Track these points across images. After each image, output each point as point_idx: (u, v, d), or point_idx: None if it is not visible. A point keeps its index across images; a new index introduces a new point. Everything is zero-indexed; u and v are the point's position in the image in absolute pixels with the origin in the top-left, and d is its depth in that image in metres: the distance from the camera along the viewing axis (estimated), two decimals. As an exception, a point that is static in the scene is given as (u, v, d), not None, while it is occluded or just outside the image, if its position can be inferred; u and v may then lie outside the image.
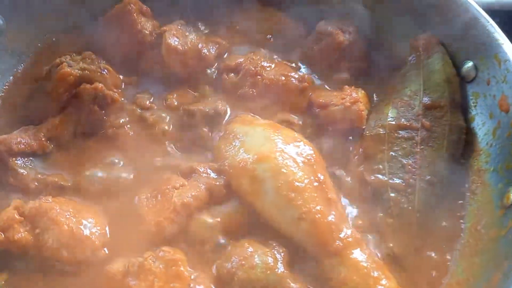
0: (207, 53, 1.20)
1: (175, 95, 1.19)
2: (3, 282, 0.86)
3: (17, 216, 0.90)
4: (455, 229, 1.04)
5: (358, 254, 0.92)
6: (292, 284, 0.90)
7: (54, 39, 1.26)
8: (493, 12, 1.11)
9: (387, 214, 1.04)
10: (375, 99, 1.21)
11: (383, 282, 0.89)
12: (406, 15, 1.23)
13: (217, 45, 1.24)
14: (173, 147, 1.11)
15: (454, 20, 1.14)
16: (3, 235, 0.88)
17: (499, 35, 1.07)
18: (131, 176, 1.05)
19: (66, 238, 0.89)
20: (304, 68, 1.26)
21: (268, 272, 0.89)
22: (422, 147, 1.09)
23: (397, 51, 1.25)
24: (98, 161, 1.07)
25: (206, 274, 0.92)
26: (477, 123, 1.11)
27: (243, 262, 0.90)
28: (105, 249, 0.94)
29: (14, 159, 1.02)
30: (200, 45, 1.20)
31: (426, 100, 1.14)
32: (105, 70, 1.12)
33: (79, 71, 1.08)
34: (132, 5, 1.18)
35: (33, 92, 1.13)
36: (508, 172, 1.00)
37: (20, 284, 0.89)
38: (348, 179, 1.09)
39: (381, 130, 1.12)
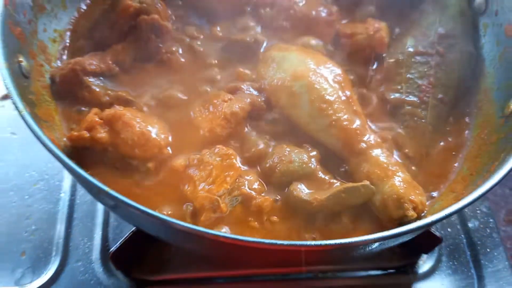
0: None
1: (218, 27, 1.30)
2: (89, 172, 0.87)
3: (97, 119, 1.00)
4: (462, 139, 1.18)
5: (379, 153, 1.03)
6: (322, 175, 1.04)
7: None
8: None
9: (403, 125, 1.16)
10: (396, 31, 1.32)
11: (399, 174, 1.00)
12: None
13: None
14: (218, 71, 1.21)
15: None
16: (88, 134, 0.99)
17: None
18: (185, 96, 1.15)
19: (137, 137, 0.99)
20: (333, 4, 1.30)
21: (304, 165, 1.03)
22: (435, 70, 1.19)
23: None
24: (156, 82, 1.17)
25: (253, 168, 1.06)
26: (485, 50, 1.25)
27: (283, 158, 1.03)
28: (169, 148, 1.04)
29: (87, 77, 1.12)
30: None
31: (441, 30, 1.24)
32: (159, 4, 1.20)
33: (138, 4, 1.16)
34: None
35: (97, 24, 1.21)
36: (509, 88, 1.16)
37: (105, 176, 1.00)
38: (371, 97, 1.21)
39: (400, 56, 1.23)
